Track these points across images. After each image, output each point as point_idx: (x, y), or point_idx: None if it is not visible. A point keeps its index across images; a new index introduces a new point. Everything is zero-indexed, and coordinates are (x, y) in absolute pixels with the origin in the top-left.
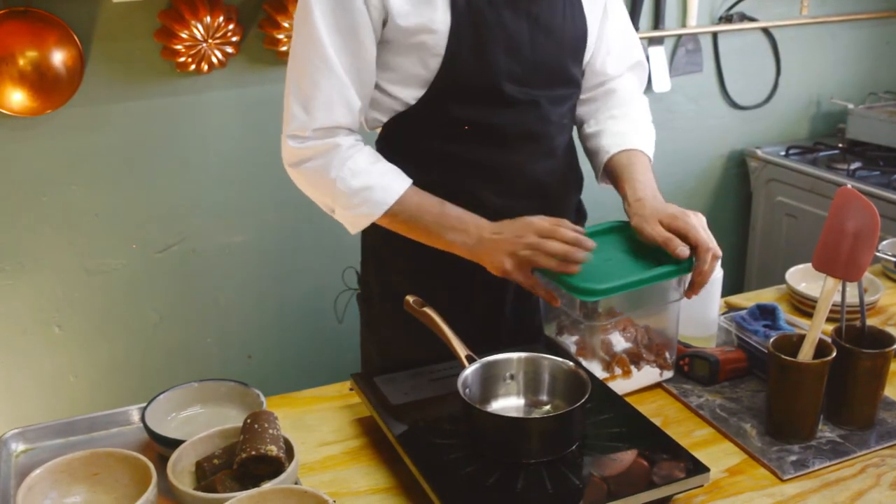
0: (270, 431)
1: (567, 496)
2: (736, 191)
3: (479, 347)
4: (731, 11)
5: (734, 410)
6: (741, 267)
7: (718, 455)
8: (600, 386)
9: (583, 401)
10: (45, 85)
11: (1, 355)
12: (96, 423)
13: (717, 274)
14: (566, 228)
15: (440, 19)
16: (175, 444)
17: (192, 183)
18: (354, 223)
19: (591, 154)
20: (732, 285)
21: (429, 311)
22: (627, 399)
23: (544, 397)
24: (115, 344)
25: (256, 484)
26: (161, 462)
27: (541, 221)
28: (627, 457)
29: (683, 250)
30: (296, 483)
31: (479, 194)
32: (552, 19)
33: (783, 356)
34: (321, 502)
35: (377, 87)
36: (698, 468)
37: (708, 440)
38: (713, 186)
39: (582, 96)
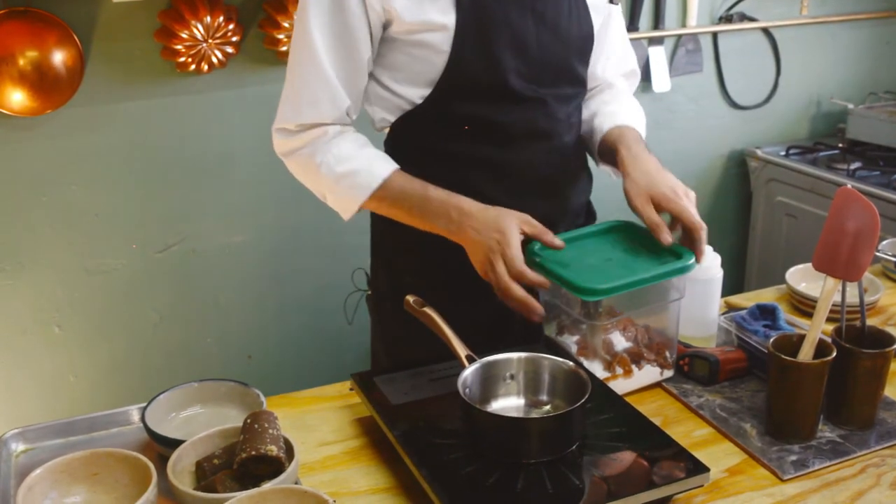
0: (270, 431)
1: (567, 496)
2: (736, 191)
3: (483, 347)
4: (731, 11)
5: (734, 410)
6: (741, 267)
7: (718, 455)
8: (600, 386)
9: (583, 401)
10: (45, 85)
11: (1, 355)
12: (96, 423)
13: (717, 274)
14: (515, 290)
15: (445, 17)
16: (175, 444)
17: (192, 183)
18: (344, 208)
19: (587, 138)
20: (732, 285)
21: (429, 310)
22: (627, 399)
23: (544, 397)
24: (115, 344)
25: (256, 484)
26: (161, 462)
27: (510, 253)
28: (627, 457)
29: (667, 238)
30: (296, 483)
31: (487, 192)
32: (558, 18)
33: (783, 356)
34: (321, 502)
35: (384, 86)
36: (698, 468)
37: (708, 440)
38: (713, 186)
39: None
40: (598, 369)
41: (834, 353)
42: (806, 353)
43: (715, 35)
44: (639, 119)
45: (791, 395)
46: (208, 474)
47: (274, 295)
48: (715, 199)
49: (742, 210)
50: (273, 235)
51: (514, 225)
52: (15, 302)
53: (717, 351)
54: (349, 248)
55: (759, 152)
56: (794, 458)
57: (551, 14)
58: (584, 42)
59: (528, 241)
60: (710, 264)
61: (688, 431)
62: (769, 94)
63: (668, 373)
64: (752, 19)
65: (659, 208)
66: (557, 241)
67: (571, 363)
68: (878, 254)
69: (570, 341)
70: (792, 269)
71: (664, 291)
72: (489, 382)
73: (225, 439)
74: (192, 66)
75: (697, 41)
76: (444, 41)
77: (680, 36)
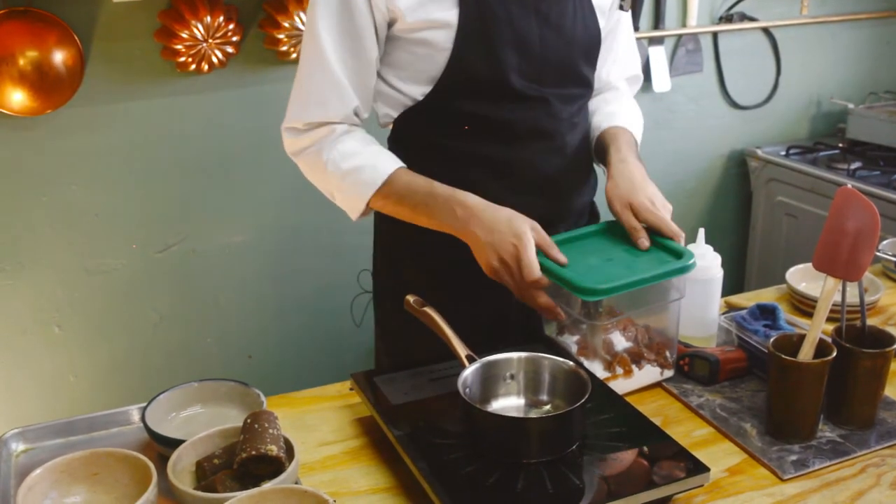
0: (270, 431)
1: (567, 496)
2: (736, 191)
3: (483, 347)
4: (732, 11)
5: (734, 410)
6: (741, 267)
7: (718, 455)
8: (600, 386)
9: (583, 401)
10: (45, 85)
11: (1, 355)
12: (96, 423)
13: (718, 274)
14: (540, 298)
15: (448, 15)
16: (175, 443)
17: (192, 183)
18: (351, 206)
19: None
20: (732, 285)
21: (429, 310)
22: (627, 399)
23: (544, 397)
24: (115, 344)
25: (256, 484)
26: (161, 462)
27: (527, 260)
28: (627, 457)
29: (644, 243)
30: (296, 483)
31: (489, 190)
32: (562, 19)
33: (783, 356)
34: (321, 502)
35: (386, 82)
36: (698, 468)
37: (708, 440)
38: (713, 186)
39: None
40: (598, 369)
41: (834, 353)
42: (806, 353)
43: (715, 35)
44: (636, 123)
45: (791, 394)
46: (208, 474)
47: (274, 295)
48: (715, 199)
49: (742, 210)
50: (273, 235)
51: (529, 231)
52: (15, 302)
53: (718, 351)
54: (349, 249)
55: (759, 152)
56: (794, 457)
57: (555, 15)
58: (590, 43)
59: None
60: (710, 264)
61: (688, 431)
62: (769, 93)
63: (669, 373)
64: (752, 19)
65: (636, 217)
66: (562, 257)
67: (571, 363)
68: (878, 254)
69: (571, 341)
70: (792, 269)
71: (664, 291)
72: (489, 382)
73: (225, 439)
74: (193, 66)
75: (697, 41)
76: (446, 38)
77: (680, 36)
